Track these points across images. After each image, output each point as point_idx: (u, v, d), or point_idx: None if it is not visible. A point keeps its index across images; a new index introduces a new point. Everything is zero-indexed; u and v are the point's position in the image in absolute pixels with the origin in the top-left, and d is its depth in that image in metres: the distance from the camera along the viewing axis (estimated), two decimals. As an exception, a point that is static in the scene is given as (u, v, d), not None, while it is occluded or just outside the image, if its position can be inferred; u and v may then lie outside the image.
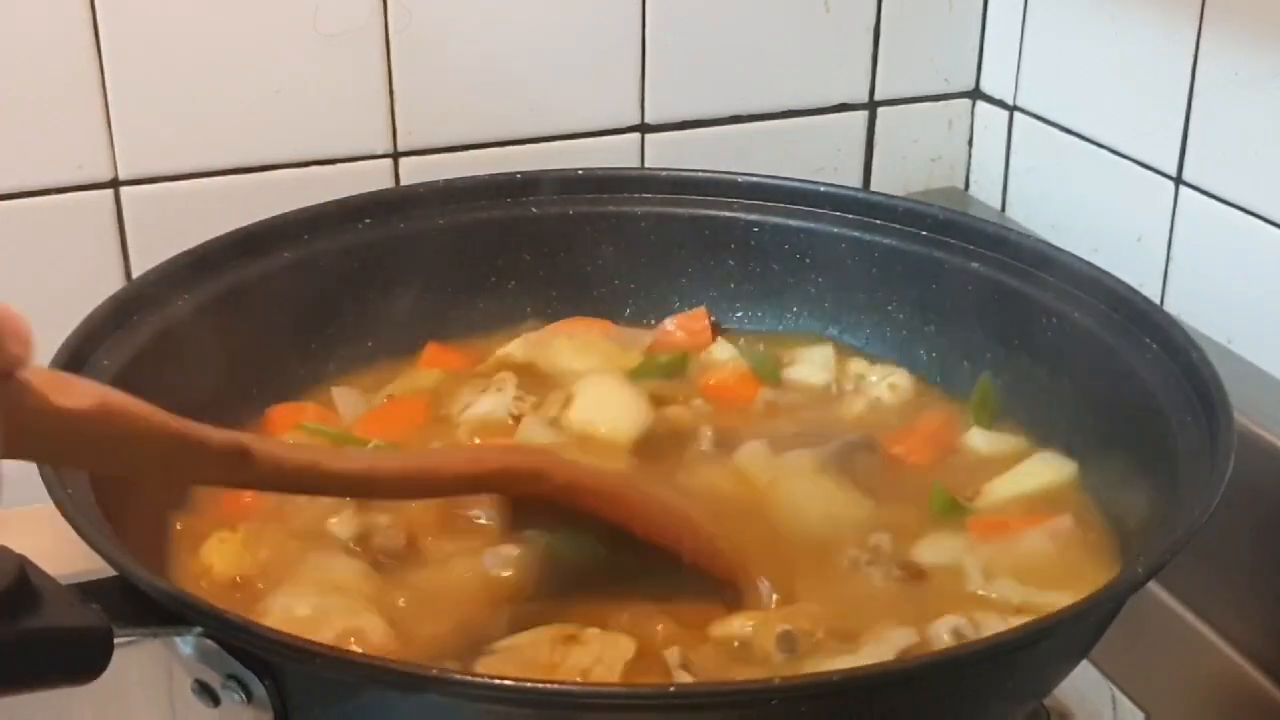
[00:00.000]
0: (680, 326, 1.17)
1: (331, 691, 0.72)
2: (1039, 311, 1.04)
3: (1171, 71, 1.20)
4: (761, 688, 0.71)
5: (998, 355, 1.08)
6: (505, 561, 0.88)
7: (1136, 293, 1.00)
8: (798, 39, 1.36)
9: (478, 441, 1.02)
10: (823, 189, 1.15)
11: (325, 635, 0.78)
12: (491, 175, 1.17)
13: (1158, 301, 1.22)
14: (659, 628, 0.83)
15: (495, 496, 0.91)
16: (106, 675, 0.63)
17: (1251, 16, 1.13)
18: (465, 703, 0.69)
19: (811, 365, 1.13)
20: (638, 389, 1.06)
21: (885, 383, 1.10)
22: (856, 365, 1.13)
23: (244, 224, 1.05)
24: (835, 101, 1.39)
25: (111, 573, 0.73)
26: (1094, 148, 1.30)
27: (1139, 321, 0.98)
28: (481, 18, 1.25)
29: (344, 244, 1.09)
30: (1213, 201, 1.18)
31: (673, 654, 0.80)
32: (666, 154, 1.34)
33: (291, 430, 1.02)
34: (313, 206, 1.09)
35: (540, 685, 0.72)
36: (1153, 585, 1.00)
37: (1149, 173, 1.24)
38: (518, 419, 1.04)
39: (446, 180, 1.15)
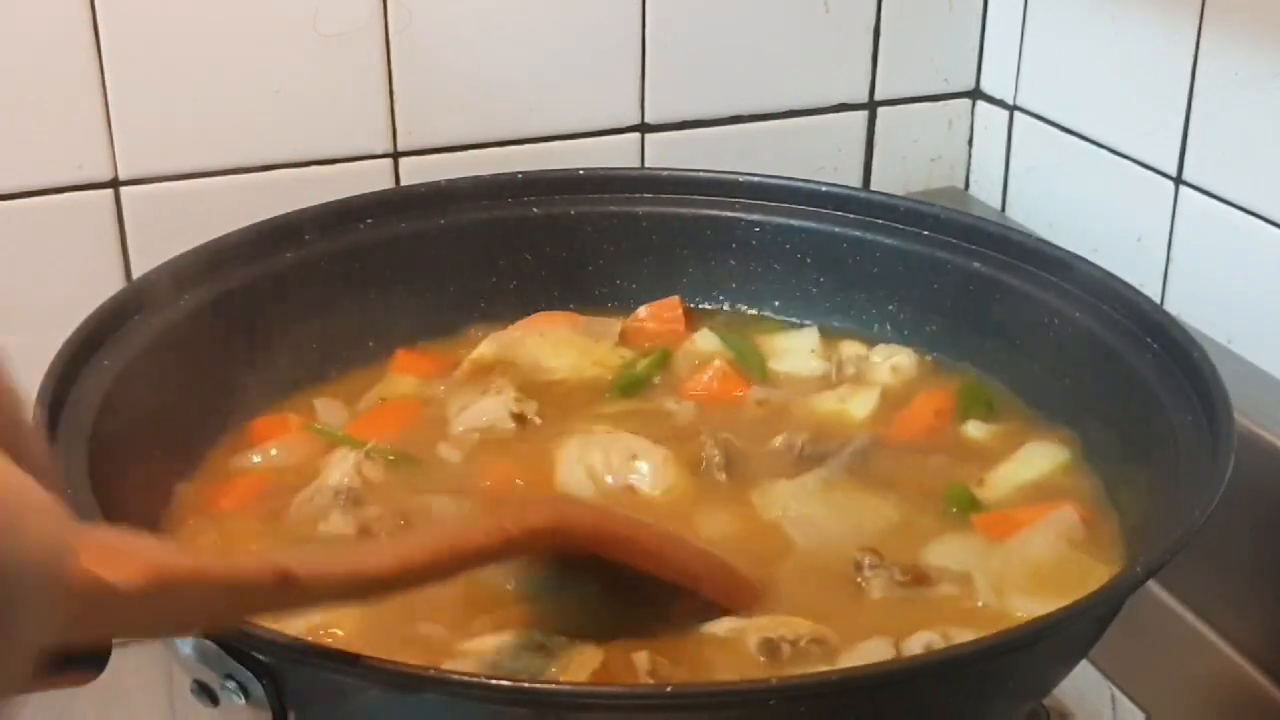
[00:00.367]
0: (652, 316, 1.16)
1: (329, 692, 0.72)
2: (1040, 311, 1.04)
3: (1171, 71, 1.19)
4: (760, 688, 0.71)
5: (999, 355, 1.08)
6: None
7: (1137, 292, 1.00)
8: (798, 39, 1.36)
9: (480, 456, 1.01)
10: (824, 189, 1.15)
11: (294, 627, 0.74)
12: (491, 175, 1.17)
13: (1158, 301, 1.22)
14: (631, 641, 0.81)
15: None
16: (106, 675, 0.63)
17: (1251, 16, 1.13)
18: (463, 703, 0.69)
19: (799, 355, 1.12)
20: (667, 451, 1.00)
21: (888, 364, 1.10)
22: (854, 348, 1.12)
23: (244, 224, 1.05)
24: (835, 101, 1.39)
25: (111, 573, 0.72)
26: (1094, 147, 1.30)
27: (1140, 321, 0.98)
28: (482, 18, 1.25)
29: (344, 244, 1.09)
30: (1213, 201, 1.18)
31: (641, 658, 0.79)
32: (666, 154, 1.34)
33: (294, 432, 1.02)
34: (313, 206, 1.09)
35: (540, 686, 0.72)
36: (1152, 585, 1.00)
37: (1149, 173, 1.24)
38: (519, 419, 1.03)
39: (447, 180, 1.15)
